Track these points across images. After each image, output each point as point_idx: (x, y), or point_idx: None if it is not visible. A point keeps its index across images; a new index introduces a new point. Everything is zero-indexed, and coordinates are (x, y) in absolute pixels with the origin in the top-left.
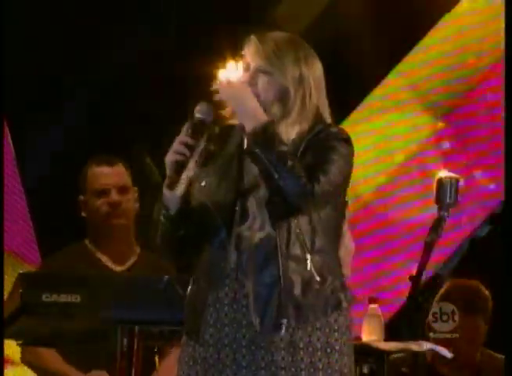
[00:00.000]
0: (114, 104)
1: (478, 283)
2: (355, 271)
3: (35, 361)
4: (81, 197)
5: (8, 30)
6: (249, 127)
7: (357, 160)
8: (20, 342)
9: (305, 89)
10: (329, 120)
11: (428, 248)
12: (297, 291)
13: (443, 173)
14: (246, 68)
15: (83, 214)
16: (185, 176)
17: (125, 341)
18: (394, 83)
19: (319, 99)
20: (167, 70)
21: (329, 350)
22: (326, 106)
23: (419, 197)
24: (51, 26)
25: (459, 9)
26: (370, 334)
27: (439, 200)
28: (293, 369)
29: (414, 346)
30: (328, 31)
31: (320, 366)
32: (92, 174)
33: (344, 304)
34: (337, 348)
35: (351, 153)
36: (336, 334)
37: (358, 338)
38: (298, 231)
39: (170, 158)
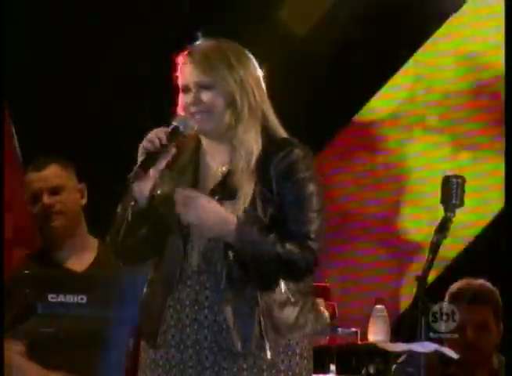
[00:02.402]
0: (114, 104)
1: (484, 280)
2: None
3: None
4: None
5: (8, 30)
6: (226, 235)
7: None
8: (26, 342)
9: (248, 91)
10: (272, 116)
11: (434, 249)
12: (275, 312)
13: (449, 173)
14: (186, 89)
15: None
16: (154, 172)
17: (131, 341)
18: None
19: (261, 96)
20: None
21: (290, 352)
22: (267, 103)
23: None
24: (51, 26)
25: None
26: (376, 334)
27: (445, 200)
28: (255, 370)
29: (420, 347)
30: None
31: (282, 368)
32: (25, 182)
33: (313, 323)
34: (297, 351)
35: (317, 178)
36: (297, 338)
37: (365, 339)
38: None
39: (144, 144)
